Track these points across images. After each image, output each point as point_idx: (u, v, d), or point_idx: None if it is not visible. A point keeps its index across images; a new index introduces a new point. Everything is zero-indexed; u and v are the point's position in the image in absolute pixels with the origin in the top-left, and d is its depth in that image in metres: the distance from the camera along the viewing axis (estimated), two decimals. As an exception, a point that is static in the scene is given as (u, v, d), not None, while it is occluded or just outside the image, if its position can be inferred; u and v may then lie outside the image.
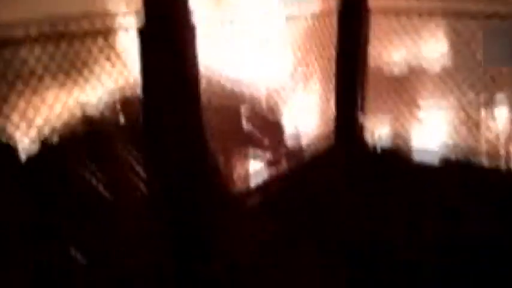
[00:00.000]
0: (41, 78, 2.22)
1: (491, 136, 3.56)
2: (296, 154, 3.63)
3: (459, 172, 3.61)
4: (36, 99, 2.23)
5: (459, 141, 3.65)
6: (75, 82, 2.35)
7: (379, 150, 3.86)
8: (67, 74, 2.31)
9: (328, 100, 3.83)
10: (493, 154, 3.55)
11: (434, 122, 3.75)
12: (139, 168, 2.59)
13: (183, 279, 2.76)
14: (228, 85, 3.10)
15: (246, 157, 3.33)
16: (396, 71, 3.78)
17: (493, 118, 3.56)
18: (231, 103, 3.17)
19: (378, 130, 3.89)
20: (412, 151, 3.80)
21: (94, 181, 2.47)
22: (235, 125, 3.25)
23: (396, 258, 3.46)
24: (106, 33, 2.41)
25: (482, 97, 3.54)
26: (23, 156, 2.28)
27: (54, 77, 2.26)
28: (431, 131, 3.76)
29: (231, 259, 2.94)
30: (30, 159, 2.29)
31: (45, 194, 2.30)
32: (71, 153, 2.36)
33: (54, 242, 2.32)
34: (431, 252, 3.42)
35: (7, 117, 2.15)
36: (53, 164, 2.32)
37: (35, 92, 2.21)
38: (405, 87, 3.78)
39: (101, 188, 2.49)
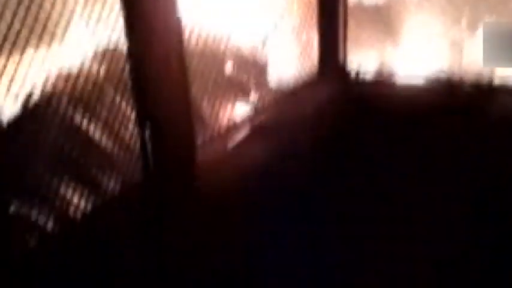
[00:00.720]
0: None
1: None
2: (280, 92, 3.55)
3: (444, 98, 3.55)
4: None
5: (443, 66, 3.62)
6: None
7: (362, 81, 3.78)
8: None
9: (311, 35, 3.71)
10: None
11: (417, 48, 3.70)
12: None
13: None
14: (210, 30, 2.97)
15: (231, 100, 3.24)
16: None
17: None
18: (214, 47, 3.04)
19: (362, 61, 3.82)
20: (396, 80, 3.75)
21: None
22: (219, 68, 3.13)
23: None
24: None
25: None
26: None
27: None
28: (415, 58, 3.71)
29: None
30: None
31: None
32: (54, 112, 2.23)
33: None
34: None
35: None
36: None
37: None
38: (387, 15, 3.72)
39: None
